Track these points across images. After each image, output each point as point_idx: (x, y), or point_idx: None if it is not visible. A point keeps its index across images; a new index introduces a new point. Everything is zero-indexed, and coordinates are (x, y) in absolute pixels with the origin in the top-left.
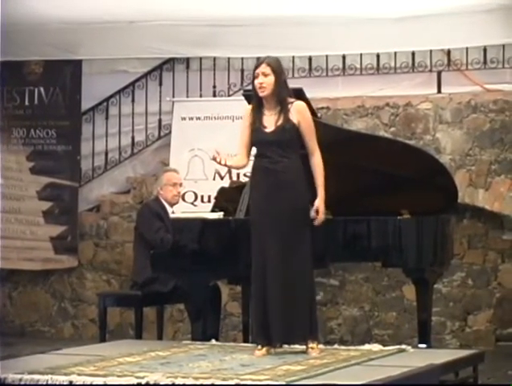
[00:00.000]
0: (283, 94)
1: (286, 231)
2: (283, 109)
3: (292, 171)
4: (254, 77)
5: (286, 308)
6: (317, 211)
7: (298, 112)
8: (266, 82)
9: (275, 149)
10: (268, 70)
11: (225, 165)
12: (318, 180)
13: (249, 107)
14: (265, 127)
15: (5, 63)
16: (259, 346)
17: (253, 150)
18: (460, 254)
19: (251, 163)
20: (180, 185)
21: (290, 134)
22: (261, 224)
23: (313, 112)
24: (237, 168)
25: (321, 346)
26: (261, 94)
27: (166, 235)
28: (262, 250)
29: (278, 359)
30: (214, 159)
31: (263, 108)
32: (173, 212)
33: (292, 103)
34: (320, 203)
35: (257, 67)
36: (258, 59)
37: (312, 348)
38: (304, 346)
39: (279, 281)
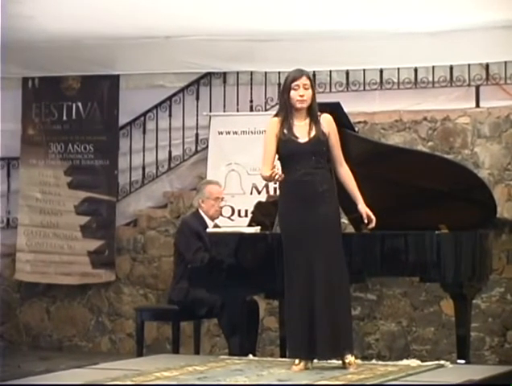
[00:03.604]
0: (316, 107)
1: (328, 242)
2: (315, 121)
3: (328, 181)
4: (292, 89)
5: (332, 321)
6: (367, 215)
7: (327, 123)
8: (306, 95)
9: (310, 160)
10: (309, 83)
11: (279, 179)
12: (354, 187)
13: (275, 119)
14: (297, 138)
15: (43, 78)
16: (297, 361)
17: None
18: (499, 269)
19: None
20: (222, 199)
21: (324, 145)
22: (301, 238)
23: (351, 127)
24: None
25: (358, 361)
26: (299, 106)
27: (205, 254)
28: (304, 263)
29: (315, 374)
30: (273, 179)
31: (292, 119)
32: (216, 225)
33: (320, 115)
34: (365, 206)
35: (296, 78)
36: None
37: (350, 363)
38: (340, 361)
39: (327, 295)
